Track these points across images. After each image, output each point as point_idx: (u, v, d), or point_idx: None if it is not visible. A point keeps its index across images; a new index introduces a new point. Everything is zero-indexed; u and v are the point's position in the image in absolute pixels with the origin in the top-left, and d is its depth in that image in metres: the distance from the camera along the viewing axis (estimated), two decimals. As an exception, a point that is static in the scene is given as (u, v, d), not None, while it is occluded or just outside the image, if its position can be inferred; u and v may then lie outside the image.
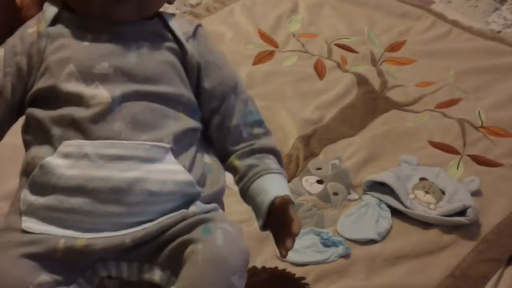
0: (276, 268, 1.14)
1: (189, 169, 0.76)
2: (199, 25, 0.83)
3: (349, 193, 1.32)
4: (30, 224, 0.72)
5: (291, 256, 1.17)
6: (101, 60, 0.75)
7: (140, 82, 0.75)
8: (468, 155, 1.43)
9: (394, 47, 1.77)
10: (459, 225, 1.24)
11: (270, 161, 0.81)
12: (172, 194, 0.74)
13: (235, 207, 1.27)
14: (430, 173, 1.34)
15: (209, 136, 0.83)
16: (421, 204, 1.28)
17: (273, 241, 1.20)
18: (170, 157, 0.74)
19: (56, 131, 0.73)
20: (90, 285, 0.73)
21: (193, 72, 0.80)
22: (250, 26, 1.79)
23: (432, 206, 1.28)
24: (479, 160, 1.42)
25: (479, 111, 1.54)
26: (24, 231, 0.71)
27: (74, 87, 0.74)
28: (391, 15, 1.88)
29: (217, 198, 0.80)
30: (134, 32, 0.78)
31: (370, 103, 1.57)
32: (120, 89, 0.74)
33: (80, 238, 0.71)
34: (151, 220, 0.73)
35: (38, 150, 0.74)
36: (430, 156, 1.42)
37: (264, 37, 1.76)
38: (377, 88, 1.62)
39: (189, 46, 0.80)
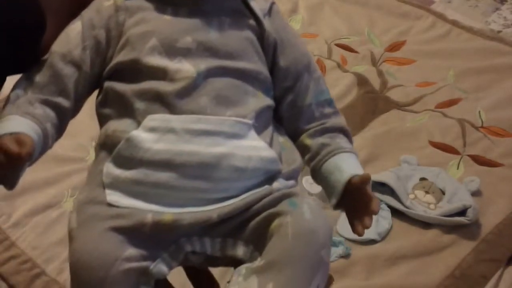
0: (276, 268, 1.14)
1: (270, 146, 0.75)
2: (273, 2, 0.82)
3: (349, 193, 1.32)
4: (115, 197, 0.70)
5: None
6: (184, 34, 0.74)
7: (222, 58, 0.74)
8: (468, 155, 1.43)
9: (394, 47, 1.76)
10: (459, 225, 1.24)
11: (342, 140, 0.80)
12: (256, 171, 0.73)
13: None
14: (430, 173, 1.34)
15: (280, 115, 0.82)
16: (421, 204, 1.28)
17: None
18: (253, 133, 0.73)
19: (139, 104, 0.72)
20: (175, 260, 0.71)
21: (269, 49, 0.79)
22: (250, 26, 1.80)
23: (432, 206, 1.28)
24: (479, 160, 1.42)
25: (479, 111, 1.54)
26: (110, 205, 0.70)
27: (158, 61, 0.73)
28: (391, 15, 1.88)
29: (295, 176, 0.78)
30: (214, 7, 0.77)
31: (370, 103, 1.57)
32: (204, 64, 0.73)
33: (167, 212, 0.69)
34: (236, 196, 0.72)
35: (119, 124, 0.73)
36: (430, 156, 1.42)
37: (264, 37, 1.77)
38: (377, 88, 1.62)
39: (266, 23, 0.79)
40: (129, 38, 0.74)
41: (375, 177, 1.31)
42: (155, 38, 0.73)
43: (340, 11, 1.89)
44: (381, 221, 1.25)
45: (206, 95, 0.72)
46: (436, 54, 1.74)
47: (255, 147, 0.73)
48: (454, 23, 1.85)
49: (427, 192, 1.31)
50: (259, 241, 0.70)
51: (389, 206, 1.28)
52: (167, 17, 0.75)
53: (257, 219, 0.71)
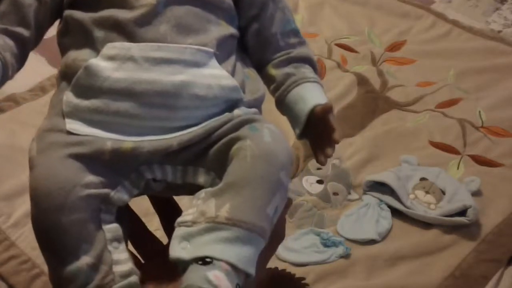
0: (276, 268, 1.14)
1: (232, 75, 0.74)
2: None
3: (349, 193, 1.32)
4: (75, 125, 0.70)
5: (291, 256, 1.17)
6: None
7: None
8: (469, 155, 1.43)
9: (394, 47, 1.76)
10: (459, 225, 1.24)
11: (307, 70, 0.80)
12: (217, 99, 0.72)
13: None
14: (431, 173, 1.34)
15: (245, 45, 0.81)
16: (422, 204, 1.28)
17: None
18: (214, 62, 0.73)
19: (98, 33, 0.72)
20: (136, 187, 0.71)
21: None
22: (250, 26, 1.79)
23: (432, 206, 1.28)
24: (479, 160, 1.42)
25: (479, 111, 1.54)
26: (70, 133, 0.70)
27: None
28: (391, 15, 1.88)
29: (257, 105, 0.78)
30: None
31: (370, 103, 1.57)
32: None
33: (127, 140, 0.69)
34: (197, 124, 0.71)
35: (79, 53, 0.73)
36: (430, 156, 1.42)
37: (264, 37, 1.76)
38: (377, 88, 1.62)
39: None
40: None
41: (375, 177, 1.31)
42: None
43: (340, 11, 1.89)
44: (381, 221, 1.25)
45: (167, 23, 0.72)
46: (436, 54, 1.74)
47: (216, 76, 0.72)
48: (455, 23, 1.85)
49: (427, 192, 1.31)
50: (220, 167, 0.70)
51: (389, 206, 1.28)
52: None
53: (218, 145, 0.71)
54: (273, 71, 0.80)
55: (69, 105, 0.71)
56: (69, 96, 0.72)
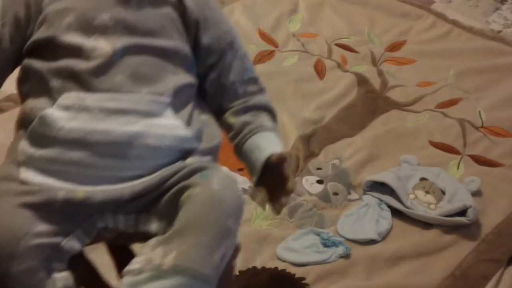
0: (276, 268, 1.14)
1: (187, 124, 0.76)
2: None
3: (349, 193, 1.32)
4: (28, 175, 0.72)
5: (291, 256, 1.17)
6: (102, 11, 0.74)
7: (141, 35, 0.75)
8: (469, 155, 1.43)
9: (394, 47, 1.76)
10: (459, 225, 1.24)
11: (265, 119, 0.82)
12: (171, 149, 0.74)
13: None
14: (431, 173, 1.34)
15: (204, 92, 0.83)
16: (422, 204, 1.28)
17: (273, 242, 1.20)
18: (169, 111, 0.74)
19: (55, 82, 0.73)
20: (88, 236, 0.73)
21: (191, 27, 0.80)
22: (250, 26, 1.79)
23: (432, 206, 1.28)
24: (479, 160, 1.42)
25: (479, 111, 1.54)
26: (23, 182, 0.71)
27: (74, 38, 0.73)
28: (391, 15, 1.88)
29: (213, 152, 0.81)
30: None
31: (370, 103, 1.57)
32: (120, 41, 0.74)
33: (79, 190, 0.71)
34: (150, 174, 0.73)
35: (36, 102, 0.74)
36: (430, 156, 1.42)
37: (264, 37, 1.76)
38: (377, 88, 1.62)
39: (189, 1, 0.79)
40: (47, 15, 0.75)
41: (375, 177, 1.31)
42: (72, 15, 0.74)
43: (340, 11, 1.89)
44: (381, 221, 1.25)
45: (122, 73, 0.73)
46: (436, 54, 1.74)
47: (170, 126, 0.74)
48: (455, 23, 1.85)
49: (427, 192, 1.31)
50: (171, 214, 0.71)
51: (389, 206, 1.27)
52: None
53: (169, 193, 0.72)
54: (231, 119, 0.82)
55: (24, 154, 0.73)
56: (24, 145, 0.73)
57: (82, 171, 0.72)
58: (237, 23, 1.81)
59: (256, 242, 1.19)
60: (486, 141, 1.46)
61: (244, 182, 1.33)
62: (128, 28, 0.75)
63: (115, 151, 0.71)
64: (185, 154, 0.76)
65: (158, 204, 0.73)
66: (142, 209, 0.73)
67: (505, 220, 1.27)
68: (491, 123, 1.51)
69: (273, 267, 1.15)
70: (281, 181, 0.76)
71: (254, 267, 1.14)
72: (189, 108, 0.78)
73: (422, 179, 1.33)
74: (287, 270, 1.14)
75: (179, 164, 0.74)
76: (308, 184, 1.33)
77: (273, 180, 0.77)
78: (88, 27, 0.74)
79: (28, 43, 0.76)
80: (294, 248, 1.18)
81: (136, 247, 0.79)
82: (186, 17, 0.79)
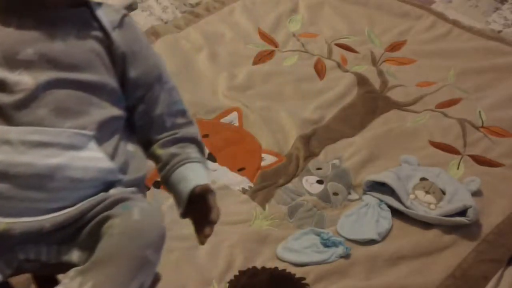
0: (276, 268, 1.14)
1: (112, 156, 0.77)
2: (125, 15, 0.83)
3: (349, 193, 1.32)
4: None
5: (291, 256, 1.17)
6: (26, 46, 0.74)
7: (65, 70, 0.76)
8: (469, 155, 1.43)
9: (394, 47, 1.76)
10: (459, 225, 1.24)
11: (192, 150, 0.83)
12: (94, 181, 0.75)
13: (235, 207, 1.27)
14: (431, 173, 1.34)
15: (133, 124, 0.84)
16: (422, 204, 1.28)
17: (273, 242, 1.20)
18: (93, 144, 0.75)
19: None
20: (9, 267, 0.74)
21: (118, 61, 0.80)
22: (250, 26, 1.79)
23: (432, 206, 1.28)
24: (479, 160, 1.41)
25: (479, 111, 1.54)
26: None
27: None
28: (391, 15, 1.88)
29: (138, 184, 0.82)
30: (61, 18, 0.77)
31: (370, 103, 1.57)
32: (44, 76, 0.74)
33: (0, 222, 0.72)
34: (72, 205, 0.74)
35: None
36: (431, 156, 1.42)
37: (264, 37, 1.76)
38: (377, 88, 1.62)
39: (115, 36, 0.80)
40: None
41: (375, 177, 1.31)
42: None
43: (340, 11, 1.88)
44: (381, 221, 1.25)
45: (45, 107, 0.74)
46: (436, 54, 1.74)
47: (93, 158, 0.75)
48: (455, 23, 1.85)
49: (427, 192, 1.31)
50: (93, 245, 0.72)
51: (389, 206, 1.27)
52: (10, 29, 0.75)
53: (91, 224, 0.73)
54: (159, 151, 0.83)
55: None
56: None
57: (3, 203, 0.72)
58: (237, 23, 1.81)
59: (256, 242, 1.19)
60: (486, 141, 1.46)
61: (244, 182, 1.33)
62: (53, 63, 0.75)
63: (37, 184, 0.72)
64: (109, 185, 0.77)
65: (79, 235, 0.74)
66: (64, 240, 0.74)
67: (505, 220, 1.27)
68: (491, 123, 1.51)
69: (273, 267, 1.15)
70: (205, 212, 0.78)
71: (254, 267, 1.14)
72: (115, 140, 0.79)
73: (422, 179, 1.33)
74: (287, 270, 1.14)
75: (101, 195, 0.75)
76: (308, 184, 1.33)
77: (198, 211, 0.79)
78: (13, 62, 0.74)
79: None
80: (294, 248, 1.18)
81: (60, 276, 0.80)
82: (113, 51, 0.80)
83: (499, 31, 1.84)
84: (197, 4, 1.89)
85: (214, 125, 1.46)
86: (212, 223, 0.77)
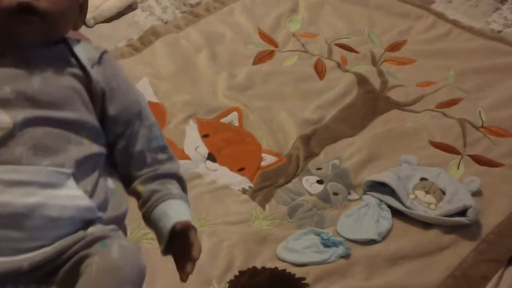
0: (276, 268, 1.14)
1: (91, 194, 0.77)
2: (105, 52, 0.84)
3: (349, 193, 1.32)
4: None
5: (291, 256, 1.17)
6: (3, 84, 0.75)
7: (43, 108, 0.76)
8: (469, 155, 1.43)
9: (394, 47, 1.76)
10: (459, 225, 1.24)
11: (173, 187, 0.83)
12: (72, 219, 0.75)
13: (235, 207, 1.28)
14: (431, 173, 1.34)
15: (114, 161, 0.84)
16: (422, 204, 1.28)
17: (273, 242, 1.20)
18: (71, 182, 0.75)
19: None
20: None
21: (97, 98, 0.81)
22: (250, 26, 1.79)
23: (432, 206, 1.28)
24: (479, 160, 1.41)
25: (479, 111, 1.54)
26: None
27: None
28: (391, 15, 1.88)
29: (118, 221, 0.81)
30: (38, 56, 0.78)
31: (370, 103, 1.57)
32: (22, 114, 0.74)
33: None
34: (50, 244, 0.74)
35: None
36: (431, 156, 1.42)
37: (264, 37, 1.76)
38: (377, 88, 1.62)
39: (94, 72, 0.80)
40: None
41: (375, 177, 1.31)
42: None
43: (340, 11, 1.88)
44: (381, 221, 1.25)
45: (23, 145, 0.74)
46: (436, 54, 1.74)
47: (71, 196, 0.75)
48: (455, 23, 1.85)
49: (427, 192, 1.31)
50: (71, 284, 0.72)
51: (390, 206, 1.27)
52: None
53: (69, 263, 0.73)
54: (140, 187, 0.82)
55: None
56: None
57: None
58: (237, 23, 1.81)
59: (256, 242, 1.19)
60: (486, 141, 1.46)
61: (244, 182, 1.33)
62: (31, 101, 0.75)
63: (13, 222, 0.72)
64: (88, 223, 0.77)
65: (58, 274, 0.73)
66: (42, 280, 0.74)
67: (505, 220, 1.27)
68: (491, 123, 1.51)
69: (273, 267, 1.15)
70: (187, 248, 0.78)
71: (254, 267, 1.14)
72: (94, 177, 0.79)
73: (422, 179, 1.33)
74: (287, 270, 1.14)
75: (79, 234, 0.75)
76: (308, 184, 1.33)
77: (179, 247, 0.79)
78: None
79: None
80: (294, 248, 1.18)
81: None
82: (92, 88, 0.80)
83: (499, 31, 1.84)
84: (197, 4, 1.89)
85: (214, 125, 1.46)
86: (193, 260, 0.77)
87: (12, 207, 0.71)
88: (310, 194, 1.31)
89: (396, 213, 1.27)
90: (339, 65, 1.68)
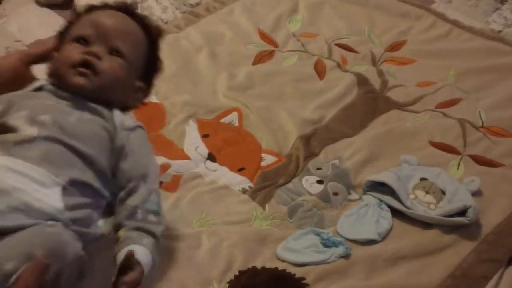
0: (276, 268, 1.14)
1: (71, 209, 0.89)
2: (140, 127, 1.01)
3: (349, 193, 1.32)
4: None
5: (291, 256, 1.17)
6: (47, 113, 0.94)
7: (68, 136, 0.92)
8: (469, 155, 1.43)
9: (394, 47, 1.76)
10: (459, 225, 1.24)
11: (148, 241, 0.93)
12: (40, 212, 0.86)
13: (235, 207, 1.28)
14: (431, 173, 1.34)
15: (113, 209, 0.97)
16: (422, 204, 1.28)
17: (273, 242, 1.21)
18: (57, 189, 0.88)
19: None
20: None
21: (117, 152, 0.96)
22: (250, 26, 1.79)
23: (432, 206, 1.28)
24: (479, 160, 1.41)
25: (479, 111, 1.54)
26: None
27: (18, 122, 0.93)
28: (391, 15, 1.88)
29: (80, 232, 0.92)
30: (84, 105, 0.98)
31: (370, 103, 1.57)
32: (48, 132, 0.91)
33: None
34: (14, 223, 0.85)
35: None
36: (430, 156, 1.42)
37: (264, 37, 1.76)
38: (377, 88, 1.62)
39: (123, 133, 0.97)
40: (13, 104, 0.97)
41: (375, 177, 1.31)
42: (26, 111, 0.94)
43: (340, 11, 1.88)
44: (381, 221, 1.25)
45: (35, 151, 0.89)
46: (436, 54, 1.74)
47: (51, 196, 0.87)
48: (455, 23, 1.85)
49: (427, 192, 1.31)
50: None
51: (389, 206, 1.27)
52: (43, 101, 0.97)
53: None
54: (121, 233, 0.93)
55: None
56: None
57: None
58: (237, 23, 1.81)
59: (256, 242, 1.19)
60: (486, 141, 1.46)
61: (244, 182, 1.33)
62: (61, 129, 0.93)
63: None
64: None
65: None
66: None
67: (505, 220, 1.27)
68: (491, 123, 1.51)
69: (273, 267, 1.15)
70: (124, 272, 0.88)
71: (254, 267, 1.14)
72: (84, 205, 0.91)
73: (422, 179, 1.33)
74: (287, 270, 1.14)
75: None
76: (308, 184, 1.33)
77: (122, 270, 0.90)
78: (32, 120, 0.93)
79: None
80: (294, 248, 1.18)
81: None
82: (115, 142, 0.96)
83: (499, 31, 1.84)
84: (197, 4, 1.89)
85: (214, 125, 1.46)
86: (123, 283, 0.86)
87: (1, 183, 0.84)
88: (310, 194, 1.31)
89: (396, 213, 1.27)
90: (339, 65, 1.68)
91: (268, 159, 1.39)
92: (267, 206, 1.28)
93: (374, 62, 1.71)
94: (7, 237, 0.81)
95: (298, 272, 1.14)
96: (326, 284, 1.13)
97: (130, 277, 0.87)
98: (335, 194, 1.31)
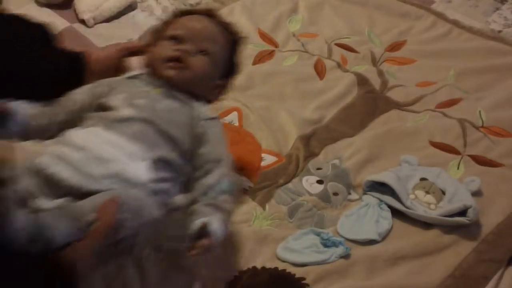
0: (276, 268, 1.14)
1: (153, 182, 0.98)
2: (218, 120, 1.11)
3: (349, 193, 1.32)
4: None
5: (291, 256, 1.17)
6: (143, 99, 1.06)
7: (158, 119, 1.03)
8: (469, 155, 1.43)
9: (394, 47, 1.76)
10: (459, 225, 1.24)
11: (218, 215, 0.99)
12: (123, 181, 0.96)
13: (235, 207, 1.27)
14: (431, 173, 1.34)
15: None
16: (422, 204, 1.28)
17: (273, 242, 1.21)
18: (145, 164, 0.97)
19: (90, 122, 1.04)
20: None
21: (196, 137, 1.06)
22: (250, 26, 1.79)
23: (432, 206, 1.28)
24: (479, 160, 1.42)
25: (479, 111, 1.54)
26: None
27: (116, 102, 1.05)
28: (391, 15, 1.88)
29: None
30: (174, 94, 1.08)
31: (370, 103, 1.57)
32: (141, 114, 1.03)
33: None
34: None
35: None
36: (431, 156, 1.42)
37: (264, 36, 1.76)
38: (377, 88, 1.62)
39: (203, 123, 1.07)
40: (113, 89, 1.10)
41: (375, 177, 1.31)
42: (124, 94, 1.07)
43: (340, 11, 1.88)
44: (381, 221, 1.25)
45: (128, 129, 1.00)
46: (436, 54, 1.74)
47: (139, 169, 0.96)
48: (455, 23, 1.85)
49: (427, 192, 1.31)
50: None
51: (389, 206, 1.28)
52: (144, 88, 1.09)
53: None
54: (195, 207, 1.01)
55: None
56: None
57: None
58: (237, 23, 1.80)
59: (256, 242, 1.19)
60: (486, 141, 1.46)
61: (244, 182, 1.33)
62: (153, 112, 1.04)
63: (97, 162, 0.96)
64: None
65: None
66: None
67: (505, 220, 1.28)
68: (491, 123, 1.51)
69: (273, 267, 1.15)
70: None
71: (254, 267, 1.14)
72: (164, 179, 1.00)
73: (422, 179, 1.33)
74: (287, 270, 1.14)
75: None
76: (308, 184, 1.33)
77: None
78: (129, 103, 1.04)
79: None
80: (294, 248, 1.18)
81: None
82: (196, 129, 1.06)
83: (499, 31, 1.84)
84: (197, 4, 1.89)
85: (214, 125, 1.46)
86: (198, 247, 0.95)
87: (93, 153, 0.96)
88: (310, 194, 1.31)
89: (396, 213, 1.27)
90: (339, 65, 1.68)
91: (268, 159, 1.39)
92: (267, 206, 1.28)
93: (374, 62, 1.71)
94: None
95: (298, 272, 1.14)
96: (326, 284, 1.13)
97: (202, 243, 0.94)
98: (335, 194, 1.31)
